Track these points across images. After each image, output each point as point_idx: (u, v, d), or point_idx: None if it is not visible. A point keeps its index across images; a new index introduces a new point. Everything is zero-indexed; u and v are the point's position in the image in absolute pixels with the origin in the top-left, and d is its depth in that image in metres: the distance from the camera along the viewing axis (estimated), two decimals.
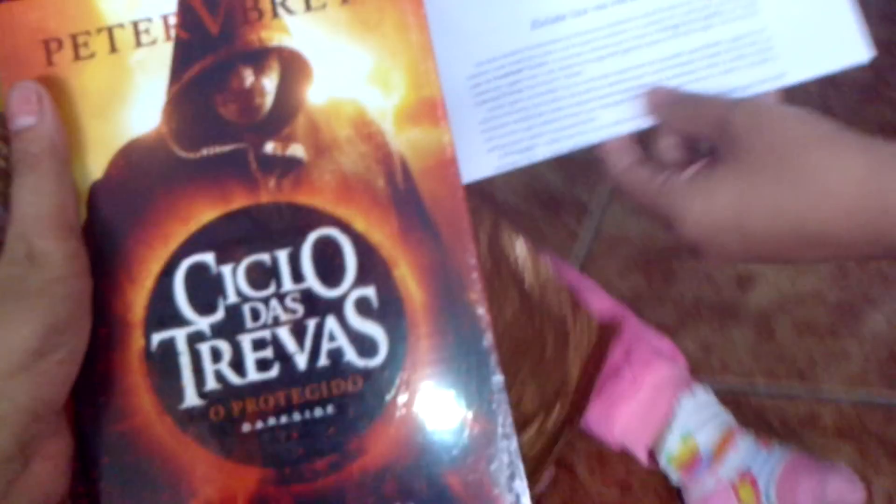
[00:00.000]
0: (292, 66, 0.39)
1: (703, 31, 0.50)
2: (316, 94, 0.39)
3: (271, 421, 0.38)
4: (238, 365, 0.38)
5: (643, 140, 0.51)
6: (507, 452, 0.38)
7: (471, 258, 0.39)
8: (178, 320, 0.38)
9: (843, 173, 0.42)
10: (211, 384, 0.38)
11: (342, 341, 0.38)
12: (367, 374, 0.38)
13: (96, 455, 0.37)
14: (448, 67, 0.40)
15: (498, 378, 0.38)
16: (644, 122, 0.50)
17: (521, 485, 0.38)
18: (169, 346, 0.38)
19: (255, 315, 0.38)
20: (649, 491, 0.99)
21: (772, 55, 0.50)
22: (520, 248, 0.79)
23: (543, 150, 0.50)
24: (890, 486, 0.95)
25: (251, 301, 0.38)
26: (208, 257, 0.38)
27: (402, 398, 0.38)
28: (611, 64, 0.51)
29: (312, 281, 0.38)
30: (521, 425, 0.77)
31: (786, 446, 0.94)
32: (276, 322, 0.38)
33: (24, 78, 0.38)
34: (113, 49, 0.39)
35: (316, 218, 0.39)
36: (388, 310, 0.38)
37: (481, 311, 0.39)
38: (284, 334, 0.38)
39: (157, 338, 0.38)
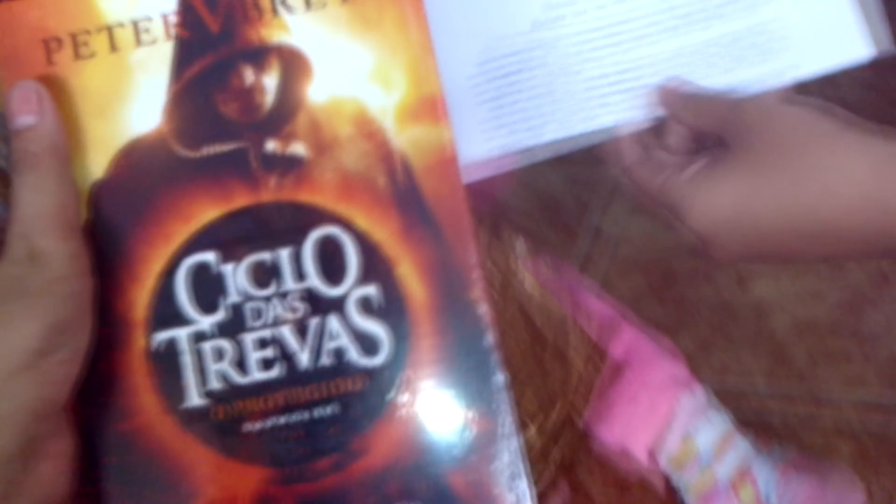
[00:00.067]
0: (293, 65, 0.39)
1: (716, 21, 0.50)
2: (317, 93, 0.39)
3: (274, 420, 0.38)
4: (240, 364, 0.38)
5: (646, 138, 0.51)
6: (510, 452, 0.38)
7: (472, 256, 0.39)
8: (181, 319, 0.38)
9: (843, 172, 0.43)
10: (213, 383, 0.38)
11: (344, 340, 0.38)
12: (369, 372, 0.38)
13: (99, 455, 0.37)
14: (448, 67, 0.40)
15: (500, 377, 0.38)
16: (644, 121, 0.50)
17: (524, 484, 0.38)
18: (171, 346, 0.38)
19: (258, 314, 0.38)
20: (649, 491, 0.99)
21: (784, 46, 0.50)
22: (519, 249, 0.80)
23: (543, 150, 0.50)
24: (890, 486, 0.95)
25: (253, 300, 0.38)
26: (210, 256, 0.38)
27: (404, 397, 0.38)
28: (623, 51, 0.51)
29: (314, 279, 0.38)
30: (520, 425, 0.77)
31: (786, 446, 0.94)
32: (279, 321, 0.38)
33: (24, 77, 0.38)
34: (113, 48, 0.39)
35: (317, 216, 0.39)
36: (390, 308, 0.38)
37: (483, 309, 0.39)
38: (287, 333, 0.38)
39: (159, 337, 0.38)
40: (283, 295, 0.38)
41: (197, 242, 0.38)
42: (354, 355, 0.38)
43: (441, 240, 0.39)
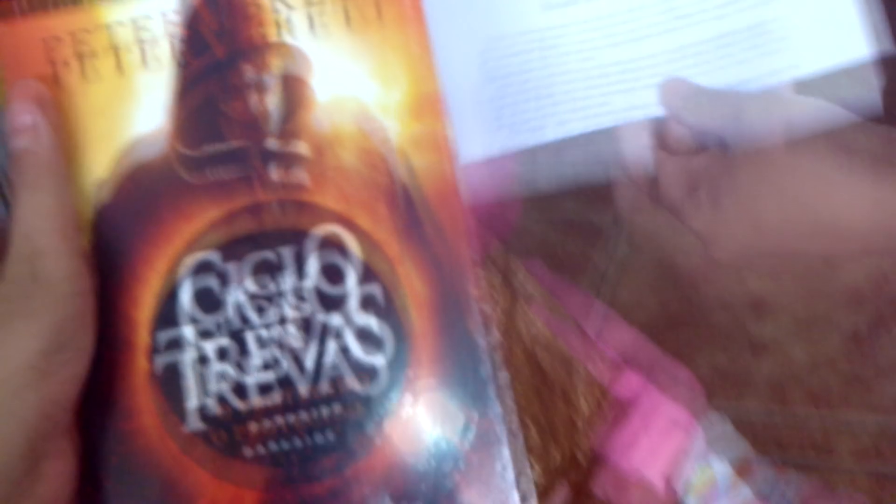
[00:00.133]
0: (293, 62, 0.39)
1: (716, 20, 0.50)
2: (318, 90, 0.39)
3: (272, 446, 0.38)
4: (244, 363, 0.38)
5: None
6: (512, 450, 0.38)
7: (471, 254, 0.39)
8: (185, 319, 0.38)
9: (845, 170, 0.42)
10: (213, 408, 0.38)
11: (348, 339, 0.38)
12: (366, 400, 0.38)
13: (99, 477, 0.38)
14: (448, 66, 0.40)
15: (496, 409, 0.38)
16: (656, 110, 0.50)
17: (528, 484, 0.38)
18: (173, 369, 0.38)
19: (261, 313, 0.38)
20: None
21: (784, 46, 0.50)
22: (535, 326, 0.80)
23: (553, 130, 0.50)
24: None
25: (257, 299, 0.38)
26: (213, 256, 0.39)
27: (407, 397, 0.38)
28: (624, 51, 0.50)
29: (318, 279, 0.39)
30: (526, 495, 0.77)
31: (802, 475, 0.93)
32: (283, 320, 0.38)
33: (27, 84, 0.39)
34: (120, 66, 0.39)
35: (320, 215, 0.39)
36: (392, 308, 0.38)
37: (483, 306, 0.39)
38: (291, 332, 0.38)
39: (161, 360, 0.38)
40: (287, 293, 0.39)
41: (200, 242, 0.39)
42: (358, 354, 0.38)
43: (441, 238, 0.39)
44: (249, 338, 0.38)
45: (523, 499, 0.38)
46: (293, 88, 0.39)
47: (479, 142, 0.50)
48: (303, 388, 0.38)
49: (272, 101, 0.39)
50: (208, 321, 0.38)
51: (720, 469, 0.94)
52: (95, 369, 0.37)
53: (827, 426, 1.07)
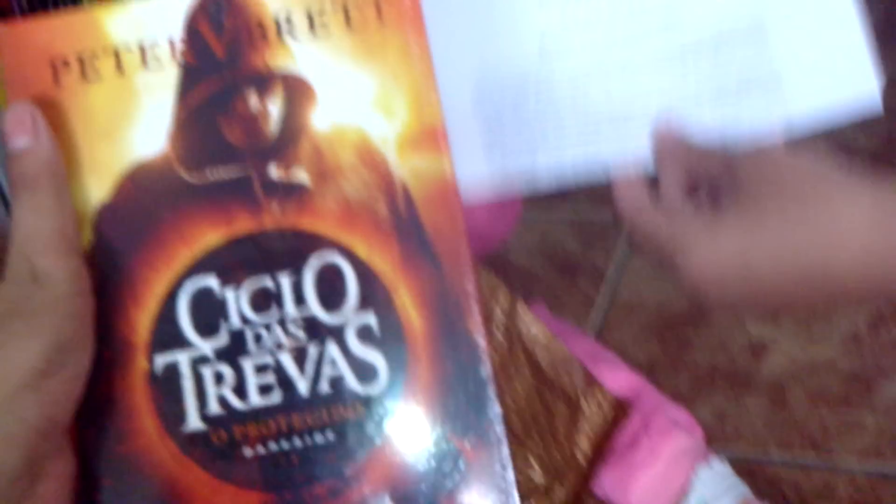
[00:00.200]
0: (297, 92, 0.39)
1: (709, 58, 0.50)
2: (320, 120, 0.39)
3: (272, 446, 0.38)
4: (240, 389, 0.38)
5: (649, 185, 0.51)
6: (504, 481, 0.38)
7: (470, 287, 0.39)
8: (182, 343, 0.38)
9: (849, 219, 0.42)
10: (213, 408, 0.38)
11: (343, 368, 0.39)
12: (367, 400, 0.38)
13: (97, 476, 0.38)
14: (447, 92, 0.40)
15: (496, 409, 0.38)
16: (639, 159, 0.50)
17: (529, 484, 0.38)
18: (172, 369, 0.38)
19: (258, 340, 0.39)
20: None
21: (779, 85, 0.50)
22: (535, 326, 0.80)
23: (545, 174, 0.50)
24: None
25: (254, 326, 0.39)
26: (212, 281, 0.39)
27: (400, 425, 0.38)
28: (618, 87, 0.51)
29: (315, 306, 0.39)
30: (527, 494, 0.77)
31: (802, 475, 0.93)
32: (279, 347, 0.39)
33: (31, 97, 0.39)
34: (119, 71, 0.40)
35: (319, 243, 0.39)
36: (389, 337, 0.39)
37: (480, 339, 0.39)
38: (287, 360, 0.39)
39: (160, 360, 0.38)
40: (283, 321, 0.39)
41: (199, 267, 0.39)
42: (353, 383, 0.38)
43: (440, 269, 0.39)
44: (246, 364, 0.39)
45: (523, 498, 0.38)
46: (296, 117, 0.39)
47: (477, 167, 0.50)
48: (298, 417, 0.38)
49: (274, 130, 0.39)
50: (205, 346, 0.39)
51: (721, 470, 0.94)
52: (95, 369, 0.37)
53: (827, 426, 1.07)
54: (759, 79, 0.50)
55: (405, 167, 0.39)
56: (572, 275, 1.33)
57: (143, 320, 0.38)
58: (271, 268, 0.39)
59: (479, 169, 0.50)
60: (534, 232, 1.36)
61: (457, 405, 0.38)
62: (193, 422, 0.38)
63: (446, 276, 0.39)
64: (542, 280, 1.32)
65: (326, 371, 0.38)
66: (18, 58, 0.39)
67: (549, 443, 0.79)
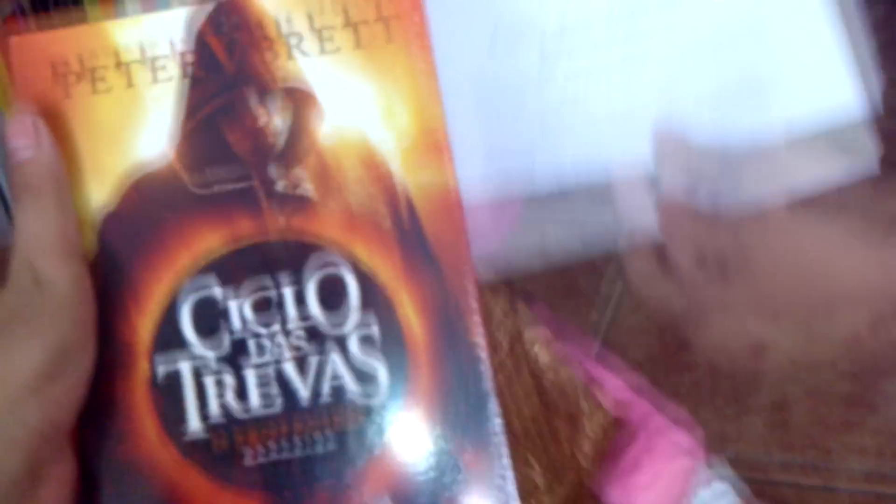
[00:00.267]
0: (303, 104, 0.40)
1: (709, 72, 0.50)
2: (325, 132, 0.40)
3: (273, 452, 0.38)
4: (242, 395, 0.39)
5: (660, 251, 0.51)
6: (503, 492, 0.38)
7: (472, 298, 0.39)
8: (184, 349, 0.39)
9: (861, 287, 0.43)
10: (214, 413, 0.38)
11: (344, 375, 0.39)
12: (367, 408, 0.39)
13: (98, 481, 0.38)
14: (453, 86, 0.41)
15: (497, 417, 0.39)
16: (650, 160, 0.50)
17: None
18: (174, 375, 0.39)
19: (260, 348, 0.39)
20: None
21: (777, 98, 0.50)
22: (540, 350, 0.80)
23: (545, 175, 0.50)
24: None
25: (256, 334, 0.39)
26: (215, 290, 0.39)
27: (401, 433, 0.39)
28: (617, 88, 0.51)
29: (317, 316, 0.39)
30: (527, 496, 0.77)
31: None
32: (281, 356, 0.39)
33: (40, 108, 0.39)
34: (129, 84, 0.40)
35: (321, 252, 0.39)
36: (391, 346, 0.39)
37: (481, 348, 0.39)
38: (288, 368, 0.39)
39: (162, 365, 0.39)
40: (286, 330, 0.39)
41: (202, 274, 0.39)
42: (354, 391, 0.39)
43: (442, 279, 0.39)
44: (248, 372, 0.39)
45: (524, 498, 0.38)
46: (301, 129, 0.40)
47: (470, 172, 0.50)
48: (299, 424, 0.39)
49: (280, 141, 0.40)
50: (207, 353, 0.39)
51: (721, 489, 0.94)
52: (97, 374, 0.38)
53: (827, 427, 1.07)
54: (759, 80, 0.50)
55: (408, 178, 0.40)
56: (572, 275, 1.32)
57: (145, 326, 0.39)
58: (274, 275, 0.39)
59: (479, 170, 0.50)
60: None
61: (457, 413, 0.39)
62: (194, 427, 0.38)
63: (448, 284, 0.39)
64: (542, 280, 1.32)
65: (328, 378, 0.39)
66: (27, 67, 0.40)
67: (549, 444, 0.79)
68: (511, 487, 0.38)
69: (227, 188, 0.40)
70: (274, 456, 0.38)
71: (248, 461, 0.38)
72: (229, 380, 0.39)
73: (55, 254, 0.37)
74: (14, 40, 0.40)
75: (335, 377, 0.39)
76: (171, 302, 0.39)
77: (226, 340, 0.39)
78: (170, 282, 0.39)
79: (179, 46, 0.40)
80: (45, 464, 0.36)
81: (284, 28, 0.40)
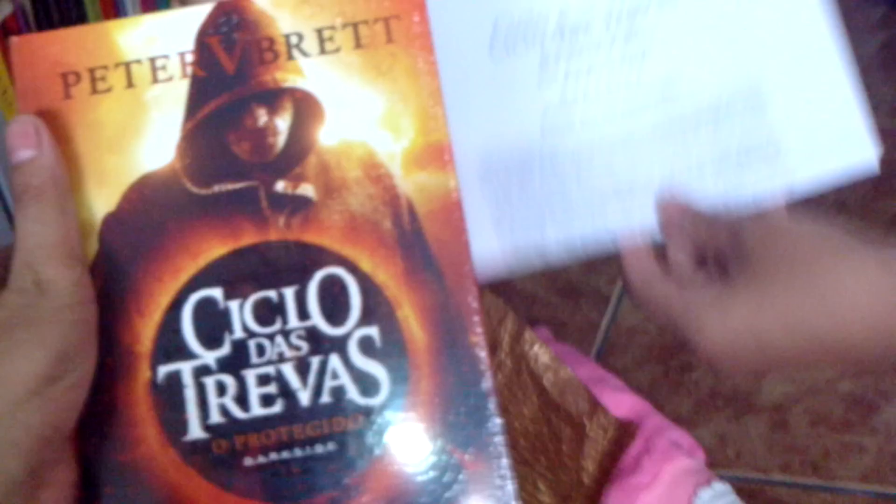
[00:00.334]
0: (305, 108, 0.40)
1: (711, 127, 0.51)
2: (327, 136, 0.40)
3: (273, 456, 0.38)
4: (242, 400, 0.39)
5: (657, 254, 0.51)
6: (504, 493, 0.38)
7: (473, 301, 0.39)
8: (185, 353, 0.39)
9: (859, 286, 0.42)
10: (215, 417, 0.38)
11: (345, 379, 0.39)
12: (367, 412, 0.39)
13: (99, 485, 0.38)
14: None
15: (497, 421, 0.39)
16: (646, 232, 0.50)
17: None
18: (175, 379, 0.39)
19: (261, 351, 0.39)
20: None
21: (779, 153, 0.50)
22: (540, 349, 0.81)
23: (555, 247, 0.51)
24: None
25: (257, 337, 0.39)
26: (216, 292, 0.39)
27: (401, 437, 0.39)
28: (620, 160, 0.51)
29: (318, 319, 0.39)
30: (531, 485, 0.77)
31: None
32: (281, 358, 0.39)
33: (41, 109, 0.39)
34: (130, 84, 0.40)
35: (323, 257, 0.39)
36: (391, 349, 0.39)
37: (481, 353, 0.39)
38: (288, 371, 0.39)
39: (163, 370, 0.39)
40: (286, 333, 0.39)
41: (203, 278, 0.39)
42: (354, 395, 0.39)
43: (443, 283, 0.39)
44: (248, 375, 0.39)
45: None
46: (303, 132, 0.40)
47: (481, 247, 0.50)
48: (300, 428, 0.39)
49: (282, 144, 0.40)
50: (208, 357, 0.39)
51: (721, 489, 0.94)
52: (98, 378, 0.37)
53: (827, 447, 1.07)
54: (760, 146, 0.50)
55: (410, 183, 0.40)
56: (575, 299, 1.33)
57: (146, 330, 0.39)
58: (275, 279, 0.39)
59: (490, 245, 0.51)
60: (547, 277, 1.36)
61: (457, 418, 0.39)
62: (195, 431, 0.38)
63: (449, 289, 0.39)
64: (545, 304, 1.33)
65: (328, 382, 0.39)
66: (30, 70, 0.40)
67: (556, 466, 0.79)
68: (511, 488, 0.38)
69: (228, 189, 0.39)
70: (274, 459, 0.38)
71: (248, 463, 0.38)
72: (230, 383, 0.39)
73: (56, 256, 0.37)
74: (15, 41, 0.40)
75: (335, 380, 0.39)
76: (171, 305, 0.39)
77: (226, 343, 0.39)
78: (170, 284, 0.39)
79: (180, 47, 0.40)
80: (45, 467, 0.35)
81: (284, 28, 0.40)
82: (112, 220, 0.39)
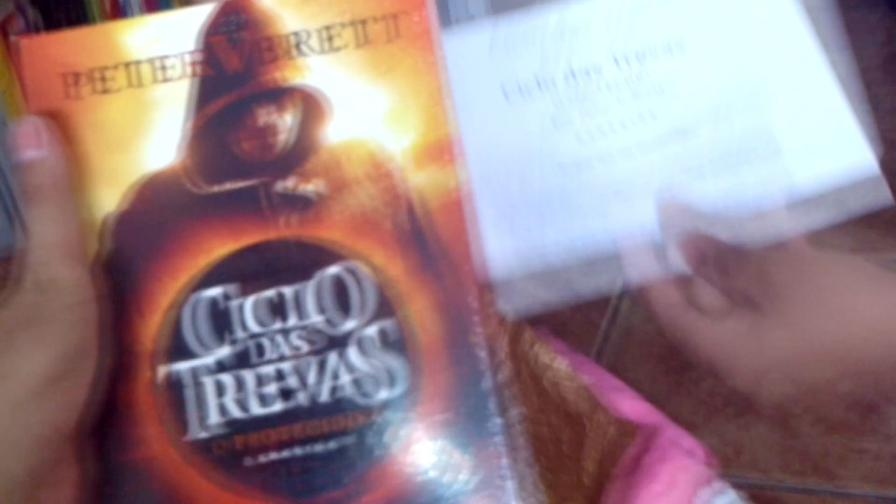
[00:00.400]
0: (310, 105, 0.40)
1: (711, 130, 0.51)
2: (333, 134, 0.40)
3: (274, 455, 0.38)
4: (243, 399, 0.39)
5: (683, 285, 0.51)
6: (508, 492, 0.38)
7: (474, 300, 0.39)
8: (187, 353, 0.39)
9: (891, 312, 0.43)
10: (216, 417, 0.38)
11: (346, 379, 0.39)
12: (369, 412, 0.39)
13: (101, 484, 0.38)
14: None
15: (497, 421, 0.39)
16: (655, 224, 0.51)
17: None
18: (177, 379, 0.39)
19: (261, 351, 0.39)
20: None
21: (779, 153, 0.51)
22: (540, 349, 0.81)
23: (555, 248, 0.51)
24: None
25: (258, 337, 0.39)
26: (218, 292, 0.39)
27: (404, 436, 0.38)
28: (620, 162, 0.51)
29: (318, 318, 0.39)
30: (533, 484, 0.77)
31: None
32: (283, 358, 0.39)
33: (46, 109, 0.39)
34: (134, 84, 0.40)
35: (327, 255, 0.39)
36: (393, 349, 0.39)
37: (483, 352, 0.39)
38: (290, 370, 0.39)
39: (164, 370, 0.39)
40: (287, 333, 0.39)
41: (206, 277, 0.39)
42: (355, 394, 0.39)
43: (445, 282, 0.39)
44: (251, 374, 0.39)
45: None
46: (308, 130, 0.40)
47: (493, 247, 0.50)
48: (302, 427, 0.39)
49: (287, 143, 0.40)
50: (210, 356, 0.39)
51: (721, 489, 0.93)
52: (100, 378, 0.37)
53: (833, 451, 1.07)
54: (759, 146, 0.51)
55: (415, 180, 0.40)
56: (587, 320, 1.33)
57: (148, 330, 0.39)
58: (278, 279, 0.39)
59: (490, 246, 0.51)
60: None
61: (458, 413, 0.39)
62: (196, 431, 0.38)
63: (452, 288, 0.39)
64: (558, 325, 1.33)
65: (329, 382, 0.39)
66: (36, 70, 0.40)
67: (556, 466, 0.79)
68: (511, 487, 0.38)
69: (233, 187, 0.39)
70: (275, 459, 0.38)
71: (249, 463, 0.38)
72: (230, 383, 0.39)
73: (60, 257, 0.37)
74: (23, 42, 0.40)
75: (335, 379, 0.39)
76: (174, 305, 0.39)
77: (228, 343, 0.39)
78: (173, 285, 0.39)
79: (184, 46, 0.40)
80: (48, 467, 0.35)
81: (289, 26, 0.40)
82: (115, 219, 0.39)
